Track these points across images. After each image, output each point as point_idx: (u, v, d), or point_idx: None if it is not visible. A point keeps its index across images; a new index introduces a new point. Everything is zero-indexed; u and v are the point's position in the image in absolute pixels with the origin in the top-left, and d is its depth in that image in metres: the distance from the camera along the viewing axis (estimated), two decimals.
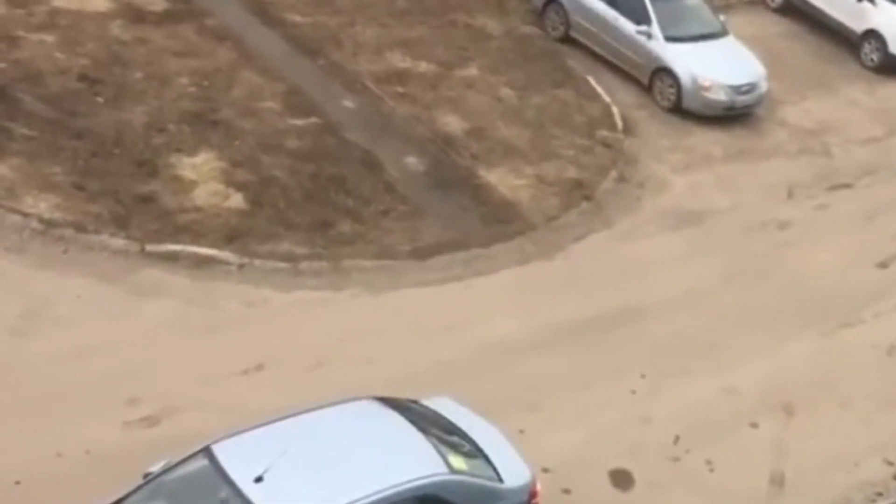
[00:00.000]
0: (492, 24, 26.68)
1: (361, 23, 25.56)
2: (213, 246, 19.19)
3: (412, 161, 22.18)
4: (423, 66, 24.72)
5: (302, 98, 22.92)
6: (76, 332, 17.22)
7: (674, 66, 25.36)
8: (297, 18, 25.22)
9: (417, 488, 13.73)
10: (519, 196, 21.69)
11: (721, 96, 25.30)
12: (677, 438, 17.69)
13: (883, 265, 22.11)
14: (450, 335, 18.53)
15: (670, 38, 25.64)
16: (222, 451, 13.60)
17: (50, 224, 18.85)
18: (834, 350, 19.95)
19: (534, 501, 14.96)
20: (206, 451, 13.65)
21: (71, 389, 16.27)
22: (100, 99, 21.54)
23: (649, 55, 25.67)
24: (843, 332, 20.38)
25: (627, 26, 25.92)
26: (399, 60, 24.73)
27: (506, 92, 24.64)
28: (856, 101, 27.41)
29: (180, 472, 13.65)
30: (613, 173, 22.59)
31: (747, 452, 17.76)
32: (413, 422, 14.67)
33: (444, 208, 21.17)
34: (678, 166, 23.80)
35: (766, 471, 17.54)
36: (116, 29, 23.40)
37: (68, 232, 18.82)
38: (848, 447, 18.15)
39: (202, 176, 20.45)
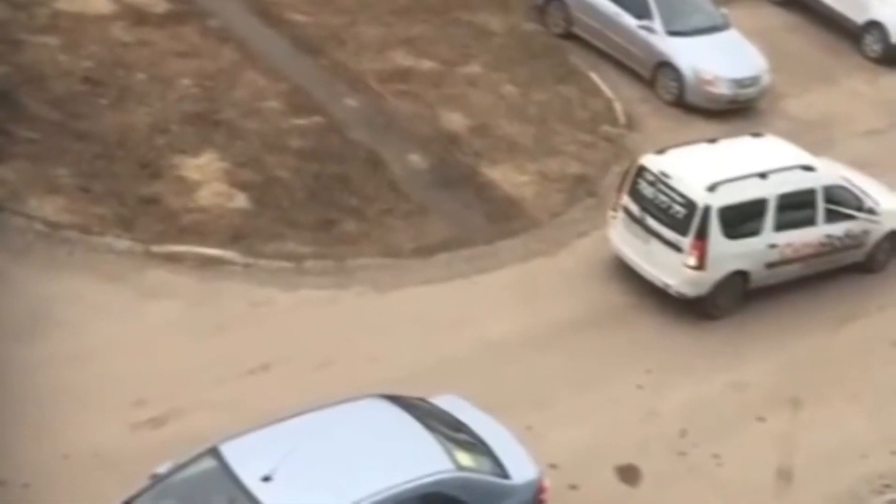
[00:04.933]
0: (494, 22, 26.67)
1: (364, 22, 25.56)
2: (217, 246, 19.22)
3: (415, 159, 22.19)
4: (426, 65, 24.72)
5: (305, 97, 22.94)
6: (82, 334, 17.25)
7: (676, 60, 25.35)
8: (300, 18, 25.23)
9: (425, 486, 13.75)
10: (523, 193, 21.70)
11: (723, 90, 25.29)
12: (684, 433, 17.70)
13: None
14: (455, 333, 18.54)
15: (672, 33, 25.63)
16: (230, 451, 13.62)
17: (55, 226, 18.89)
18: (840, 343, 19.95)
19: (541, 497, 14.97)
20: (214, 452, 13.67)
21: (77, 391, 16.32)
22: (103, 101, 21.57)
23: (651, 49, 25.66)
24: (848, 325, 20.37)
25: (629, 21, 25.91)
26: (402, 59, 24.73)
27: (508, 89, 24.64)
28: (858, 93, 27.38)
29: (188, 472, 13.67)
30: (617, 168, 22.56)
31: (755, 446, 17.77)
32: (420, 419, 14.68)
33: (447, 206, 21.17)
34: None
35: (774, 464, 17.55)
36: (118, 31, 23.42)
37: (73, 234, 18.86)
38: (855, 439, 18.15)
39: (206, 176, 20.47)
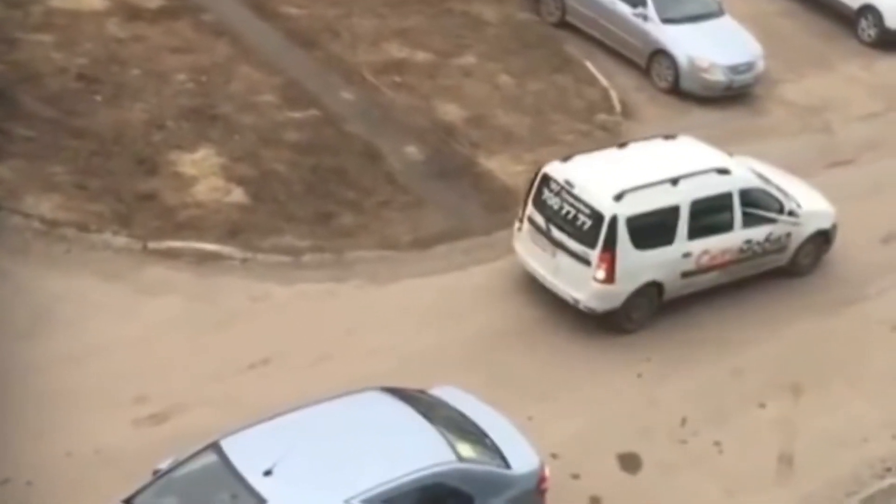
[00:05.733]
0: (488, 12, 26.65)
1: (358, 14, 25.54)
2: (215, 241, 19.23)
3: (412, 151, 22.18)
4: (421, 56, 24.71)
5: (300, 91, 22.93)
6: (82, 332, 17.26)
7: (671, 47, 25.34)
8: (294, 11, 25.20)
9: (426, 477, 13.78)
10: (519, 183, 21.63)
11: (719, 76, 25.28)
12: (685, 420, 17.71)
13: (886, 241, 22.10)
14: (454, 324, 18.54)
15: (666, 20, 25.61)
16: (231, 446, 13.65)
17: (52, 224, 18.89)
18: (839, 328, 19.95)
19: (543, 487, 15.00)
20: (215, 447, 13.69)
21: (79, 389, 16.34)
22: (98, 98, 21.56)
23: (646, 37, 25.65)
24: (847, 310, 20.36)
25: (623, 9, 25.89)
26: (396, 50, 24.72)
27: (504, 79, 24.63)
28: (854, 77, 27.37)
29: (189, 468, 13.70)
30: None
31: (755, 433, 17.80)
32: (420, 411, 14.71)
33: (444, 197, 21.17)
34: None
35: (775, 450, 17.57)
36: (113, 27, 23.41)
37: (71, 231, 18.86)
38: (856, 424, 18.17)
39: (202, 172, 20.47)
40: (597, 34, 26.48)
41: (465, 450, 14.44)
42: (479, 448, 14.70)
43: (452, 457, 14.13)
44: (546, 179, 19.09)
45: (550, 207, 18.95)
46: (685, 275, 19.20)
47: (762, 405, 18.26)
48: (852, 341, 19.68)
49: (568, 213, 18.74)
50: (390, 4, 26.07)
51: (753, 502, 16.81)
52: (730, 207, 19.47)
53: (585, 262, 18.54)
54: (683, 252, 19.01)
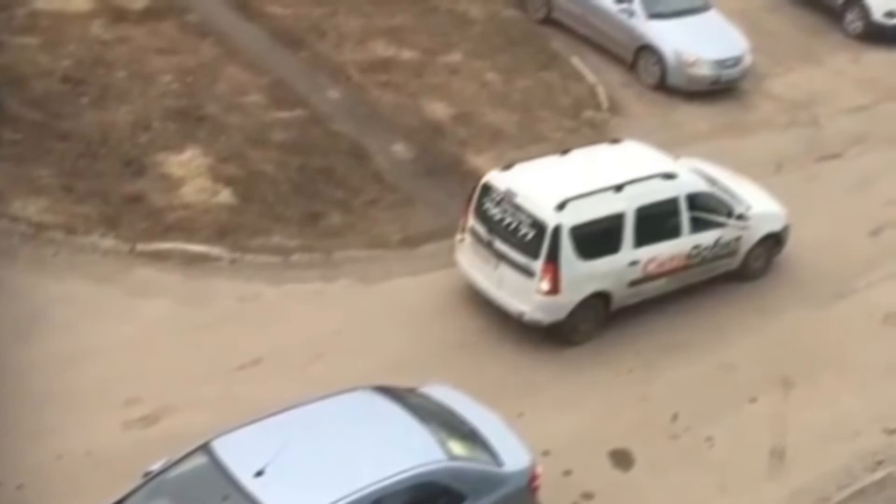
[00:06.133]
0: (474, 9, 26.63)
1: (343, 13, 25.51)
2: (203, 242, 19.19)
3: (399, 149, 22.16)
4: (407, 54, 24.68)
5: (287, 91, 22.89)
6: (72, 335, 17.21)
7: (657, 42, 25.33)
8: (279, 11, 25.16)
9: (417, 476, 13.77)
10: None
11: (706, 71, 25.28)
12: (676, 416, 17.70)
13: (874, 233, 22.12)
14: (444, 322, 18.54)
15: (653, 15, 25.61)
16: (222, 447, 13.62)
17: (40, 227, 18.84)
18: (829, 321, 19.96)
19: (535, 484, 14.99)
20: (206, 448, 13.67)
21: (69, 392, 16.30)
22: (84, 100, 21.51)
23: (632, 33, 25.64)
24: (837, 303, 20.38)
25: (609, 5, 25.87)
26: (382, 49, 24.69)
27: (491, 76, 24.62)
28: (841, 71, 27.39)
29: (180, 469, 13.67)
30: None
31: (747, 427, 17.80)
32: (411, 410, 14.70)
33: (433, 195, 21.13)
34: (666, 143, 23.61)
35: (767, 444, 17.57)
36: (98, 29, 23.35)
37: (58, 234, 18.82)
38: (847, 417, 18.18)
39: (190, 173, 20.42)
40: (583, 30, 26.47)
41: (457, 448, 14.44)
42: (471, 446, 14.69)
43: (444, 455, 14.12)
44: (487, 189, 18.68)
45: (492, 218, 18.53)
46: (632, 283, 18.82)
47: (753, 399, 18.26)
48: (842, 334, 19.69)
49: (510, 223, 18.31)
50: (376, 3, 26.04)
51: (745, 497, 16.80)
52: (676, 213, 19.09)
53: (529, 273, 18.11)
54: (630, 260, 18.63)
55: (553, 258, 17.98)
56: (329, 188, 20.82)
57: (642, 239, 18.69)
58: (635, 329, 19.04)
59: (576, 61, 25.78)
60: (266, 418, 14.09)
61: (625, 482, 16.72)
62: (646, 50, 25.50)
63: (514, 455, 14.98)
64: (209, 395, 16.50)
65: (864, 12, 28.56)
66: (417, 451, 14.05)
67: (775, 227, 20.53)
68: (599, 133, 23.49)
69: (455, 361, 17.74)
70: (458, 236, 19.12)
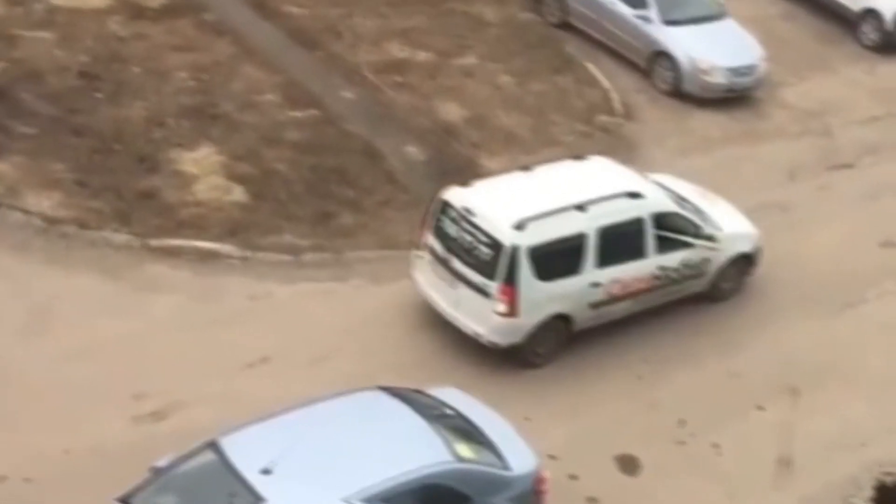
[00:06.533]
0: (489, 12, 26.62)
1: (359, 13, 25.51)
2: (215, 240, 19.26)
3: (413, 151, 22.19)
4: (422, 56, 24.70)
5: (301, 90, 22.93)
6: (82, 329, 17.30)
7: (672, 49, 25.32)
8: (295, 10, 25.18)
9: (423, 477, 13.82)
10: None
11: (720, 79, 25.25)
12: (683, 422, 17.71)
13: (886, 244, 22.08)
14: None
15: (668, 22, 25.60)
16: (229, 444, 13.68)
17: (53, 221, 18.94)
18: (838, 331, 19.94)
19: (541, 488, 15.01)
20: (213, 445, 13.73)
21: (78, 386, 16.38)
22: (99, 95, 21.57)
23: (648, 39, 25.64)
24: (847, 313, 20.35)
25: (625, 10, 25.87)
26: (398, 50, 24.71)
27: (505, 79, 24.62)
28: (856, 81, 27.32)
29: (188, 465, 13.73)
30: (614, 159, 22.52)
31: (754, 435, 17.81)
32: (419, 411, 14.75)
33: None
34: (679, 150, 23.80)
35: (774, 453, 17.57)
36: (115, 25, 23.38)
37: (71, 229, 18.90)
38: (855, 427, 18.16)
39: (203, 170, 20.48)
40: (598, 35, 26.46)
41: (463, 450, 14.48)
42: (477, 448, 14.72)
43: (450, 457, 14.17)
44: (445, 206, 18.16)
45: (450, 236, 18.02)
46: (594, 305, 18.29)
47: (761, 407, 18.26)
48: (851, 344, 19.66)
49: (468, 242, 17.80)
50: (392, 4, 26.05)
51: None
52: (641, 233, 18.51)
53: (486, 294, 17.61)
54: (591, 282, 18.09)
55: (510, 279, 17.46)
56: (341, 188, 20.87)
57: (605, 260, 18.16)
58: (643, 336, 19.03)
59: (590, 66, 25.78)
60: (274, 416, 14.15)
61: (631, 487, 16.74)
62: (660, 56, 25.50)
63: (520, 458, 15.01)
64: (217, 392, 16.55)
65: (880, 23, 28.49)
66: (424, 452, 14.10)
67: (745, 248, 19.95)
68: (613, 138, 23.53)
69: (465, 362, 17.78)
70: (414, 253, 18.60)
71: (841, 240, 21.66)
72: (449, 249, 18.03)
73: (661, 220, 18.77)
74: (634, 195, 18.62)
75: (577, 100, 24.57)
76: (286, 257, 19.32)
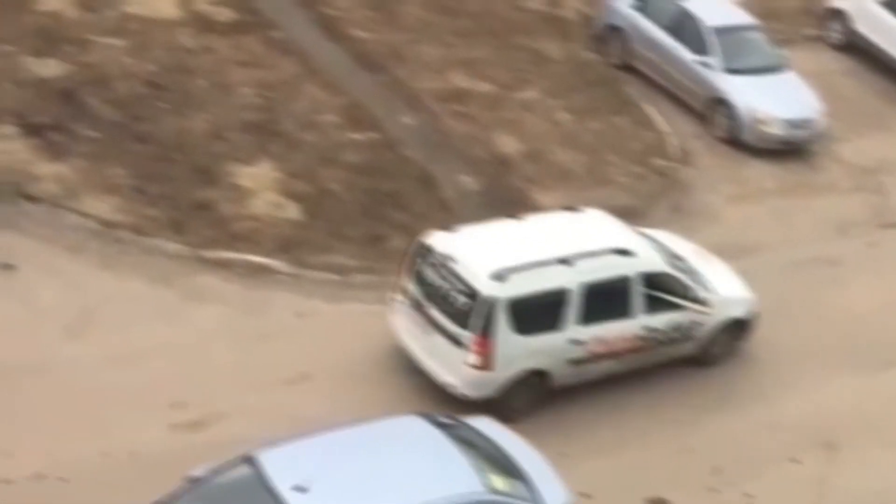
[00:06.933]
0: (553, 48, 26.76)
1: (425, 41, 25.67)
2: (266, 255, 19.46)
3: (467, 180, 22.34)
4: (484, 87, 24.84)
5: (362, 113, 23.12)
6: (128, 334, 17.50)
7: (732, 97, 25.39)
8: (362, 34, 25.38)
9: None
10: None
11: (777, 130, 25.28)
12: (717, 470, 17.72)
13: None
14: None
15: (730, 70, 25.66)
16: (266, 460, 13.78)
17: (108, 225, 19.18)
18: (879, 389, 19.88)
19: None
20: (251, 459, 13.84)
21: (119, 390, 16.55)
22: (164, 105, 21.80)
23: (707, 85, 25.72)
24: (890, 371, 20.29)
25: (687, 56, 25.99)
26: (460, 80, 24.85)
27: (563, 116, 24.73)
28: None
29: (223, 478, 13.83)
30: (666, 202, 22.64)
31: (788, 488, 17.76)
32: (455, 440, 14.83)
33: None
34: (732, 198, 23.83)
35: None
36: (184, 37, 23.64)
37: (126, 234, 19.15)
38: (890, 485, 18.08)
39: (260, 185, 20.69)
40: (658, 79, 26.57)
41: (497, 482, 14.51)
42: (510, 481, 14.76)
43: (482, 488, 14.22)
44: (426, 251, 17.67)
45: (427, 282, 17.50)
46: (575, 362, 17.69)
47: (796, 460, 18.22)
48: (891, 403, 19.60)
49: (445, 289, 17.24)
50: (458, 34, 26.22)
51: None
52: (628, 292, 17.94)
53: (459, 344, 17.03)
54: (572, 338, 17.49)
55: (486, 331, 16.87)
56: (395, 212, 21.02)
57: (588, 317, 17.57)
58: (683, 380, 19.07)
59: (648, 108, 25.89)
60: (312, 435, 14.24)
61: None
62: (719, 103, 25.58)
63: (553, 494, 15.04)
64: (255, 405, 16.68)
65: None
66: (457, 482, 14.16)
67: (738, 313, 19.40)
68: (667, 181, 23.59)
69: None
70: (391, 296, 18.17)
71: (887, 297, 21.61)
72: (427, 295, 17.51)
73: (651, 280, 18.23)
74: (623, 252, 18.11)
75: (634, 141, 24.66)
76: (335, 277, 19.49)
